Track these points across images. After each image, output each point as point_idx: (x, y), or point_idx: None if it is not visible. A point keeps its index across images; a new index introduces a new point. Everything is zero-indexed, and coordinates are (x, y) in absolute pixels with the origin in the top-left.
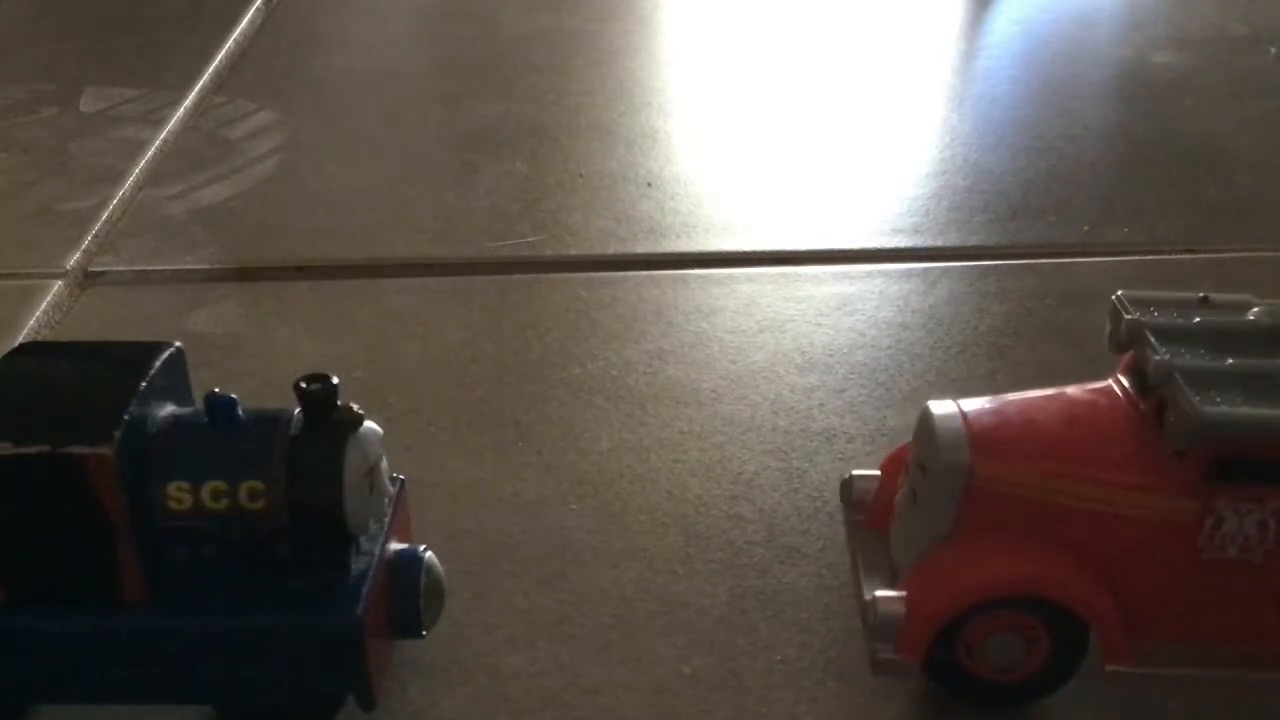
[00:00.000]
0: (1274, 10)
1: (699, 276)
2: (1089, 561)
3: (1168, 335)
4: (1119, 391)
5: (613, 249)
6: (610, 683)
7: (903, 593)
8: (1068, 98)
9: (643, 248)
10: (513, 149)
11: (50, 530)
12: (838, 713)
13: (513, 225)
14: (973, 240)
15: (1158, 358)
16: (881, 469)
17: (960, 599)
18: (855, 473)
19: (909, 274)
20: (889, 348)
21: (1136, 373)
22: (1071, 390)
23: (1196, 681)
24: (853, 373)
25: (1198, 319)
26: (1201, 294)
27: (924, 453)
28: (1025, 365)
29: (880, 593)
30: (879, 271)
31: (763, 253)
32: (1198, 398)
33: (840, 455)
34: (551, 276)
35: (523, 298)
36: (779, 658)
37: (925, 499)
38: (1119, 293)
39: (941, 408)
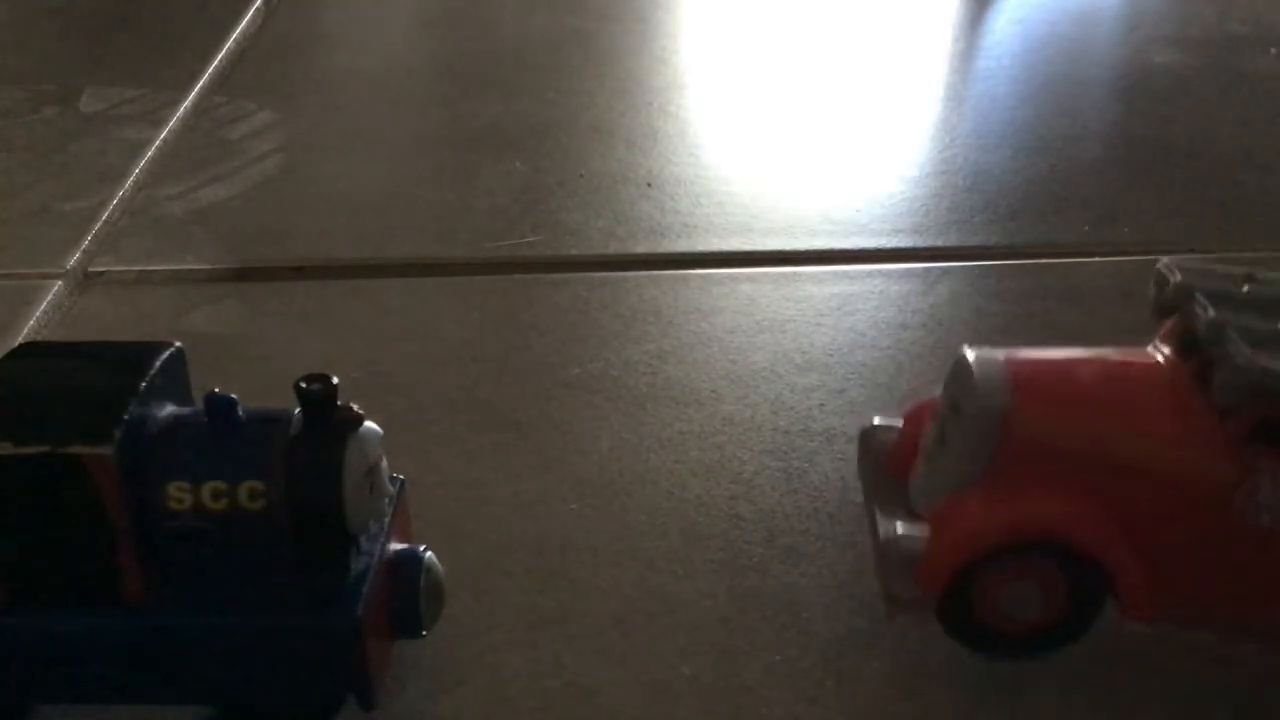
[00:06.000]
0: (1274, 10)
1: (699, 276)
2: (1119, 515)
3: (1217, 299)
4: (1158, 356)
5: (613, 249)
6: (610, 683)
7: (923, 531)
8: (1068, 98)
9: (643, 248)
10: (513, 149)
11: (50, 530)
12: (838, 713)
13: (513, 225)
14: (973, 240)
15: (1210, 314)
16: (904, 419)
17: (984, 537)
18: (877, 421)
19: (909, 274)
20: (889, 348)
21: (1178, 339)
22: (1107, 351)
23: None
24: (853, 373)
25: (1246, 288)
26: (1246, 270)
27: (958, 395)
28: None
29: (902, 529)
30: (879, 271)
31: (763, 253)
32: (1250, 352)
33: (840, 455)
34: (551, 276)
35: (523, 298)
36: (779, 658)
37: (956, 442)
38: (1164, 260)
39: (979, 352)
